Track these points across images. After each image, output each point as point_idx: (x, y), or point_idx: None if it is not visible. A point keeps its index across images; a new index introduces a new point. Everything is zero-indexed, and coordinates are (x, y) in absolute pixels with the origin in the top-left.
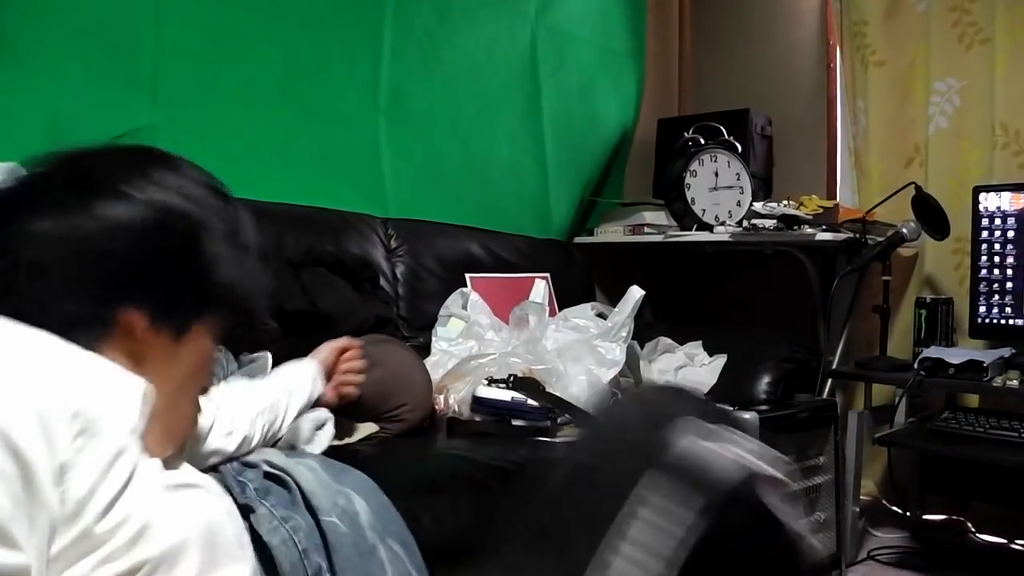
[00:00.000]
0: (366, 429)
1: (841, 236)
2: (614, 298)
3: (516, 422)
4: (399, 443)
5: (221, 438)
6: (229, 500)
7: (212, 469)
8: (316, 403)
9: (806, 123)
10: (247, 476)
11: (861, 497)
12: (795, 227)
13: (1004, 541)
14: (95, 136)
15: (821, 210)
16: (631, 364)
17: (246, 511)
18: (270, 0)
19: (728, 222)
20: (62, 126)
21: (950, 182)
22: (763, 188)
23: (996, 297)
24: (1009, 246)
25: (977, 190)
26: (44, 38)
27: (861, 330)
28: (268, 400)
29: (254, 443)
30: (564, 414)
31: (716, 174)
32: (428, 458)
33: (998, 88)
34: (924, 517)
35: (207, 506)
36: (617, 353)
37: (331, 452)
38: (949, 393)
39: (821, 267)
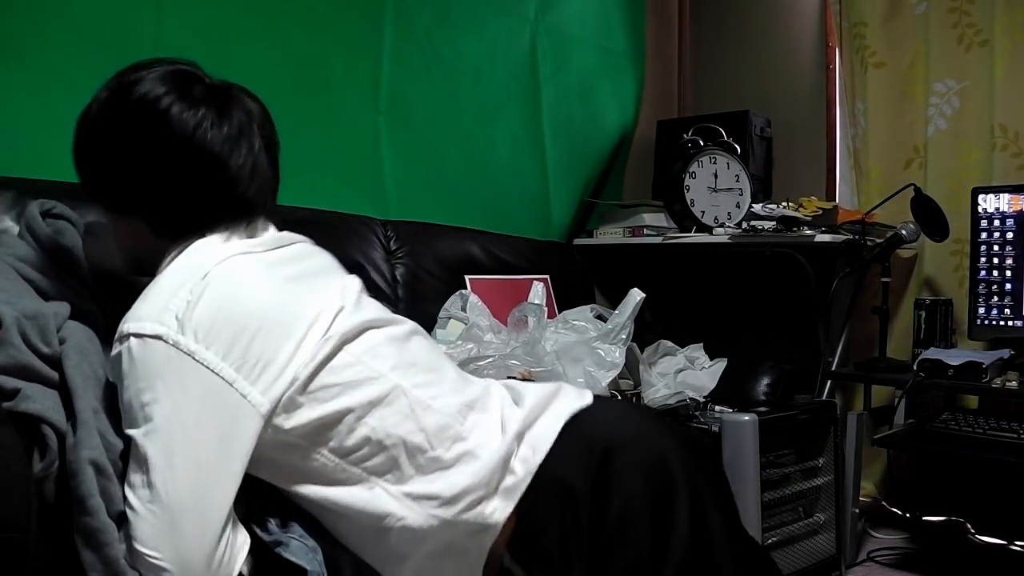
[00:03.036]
0: None
1: (840, 237)
2: (613, 300)
3: None
4: None
5: None
6: None
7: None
8: None
9: (805, 125)
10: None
11: (860, 498)
12: (794, 229)
13: (1004, 542)
14: None
15: (820, 212)
16: (631, 366)
17: (274, 546)
18: (270, 1)
19: (727, 224)
20: (62, 126)
21: (949, 183)
22: (762, 190)
23: (995, 298)
24: (1008, 247)
25: (976, 191)
26: (44, 38)
27: (860, 331)
28: None
29: None
30: None
31: (715, 176)
32: None
33: (997, 89)
34: (924, 518)
35: None
36: (617, 355)
37: None
38: (948, 394)
39: (820, 268)
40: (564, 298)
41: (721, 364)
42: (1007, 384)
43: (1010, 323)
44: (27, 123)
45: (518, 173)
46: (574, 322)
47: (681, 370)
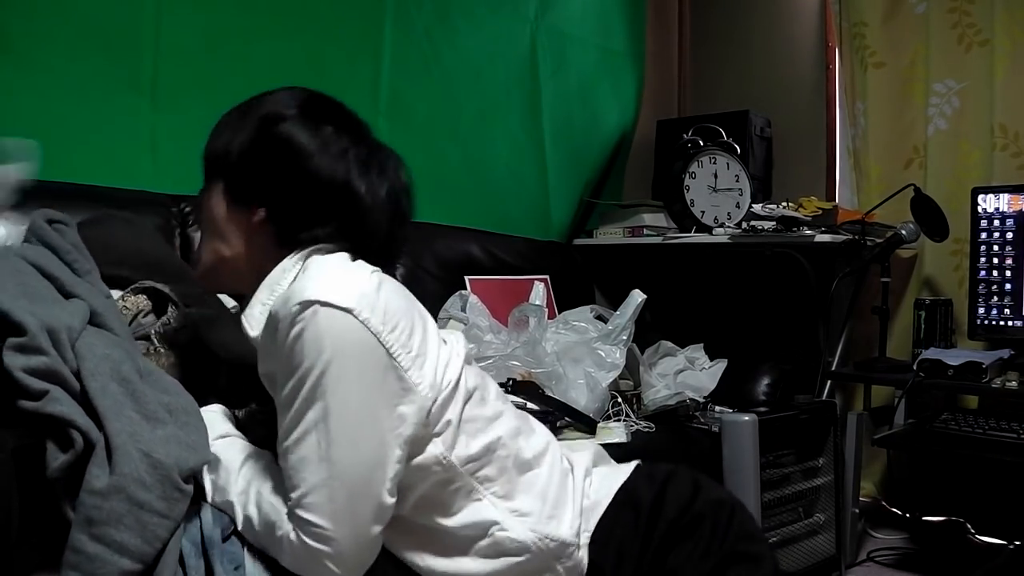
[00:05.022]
0: None
1: (840, 238)
2: (613, 300)
3: None
4: None
5: None
6: None
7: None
8: None
9: (805, 125)
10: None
11: (860, 498)
12: (794, 229)
13: (1003, 542)
14: (95, 136)
15: (820, 212)
16: (631, 367)
17: None
18: (270, 1)
19: (727, 224)
20: (62, 126)
21: (949, 183)
22: (762, 190)
23: (995, 298)
24: (1008, 247)
25: (976, 191)
26: (44, 38)
27: (860, 331)
28: None
29: None
30: (564, 417)
31: (715, 176)
32: None
33: (997, 90)
34: (923, 518)
35: None
36: (617, 356)
37: None
38: (948, 394)
39: (820, 269)
40: (564, 298)
41: (721, 364)
42: (1007, 384)
43: (1010, 323)
44: (27, 123)
45: (518, 173)
46: (574, 323)
47: (681, 371)
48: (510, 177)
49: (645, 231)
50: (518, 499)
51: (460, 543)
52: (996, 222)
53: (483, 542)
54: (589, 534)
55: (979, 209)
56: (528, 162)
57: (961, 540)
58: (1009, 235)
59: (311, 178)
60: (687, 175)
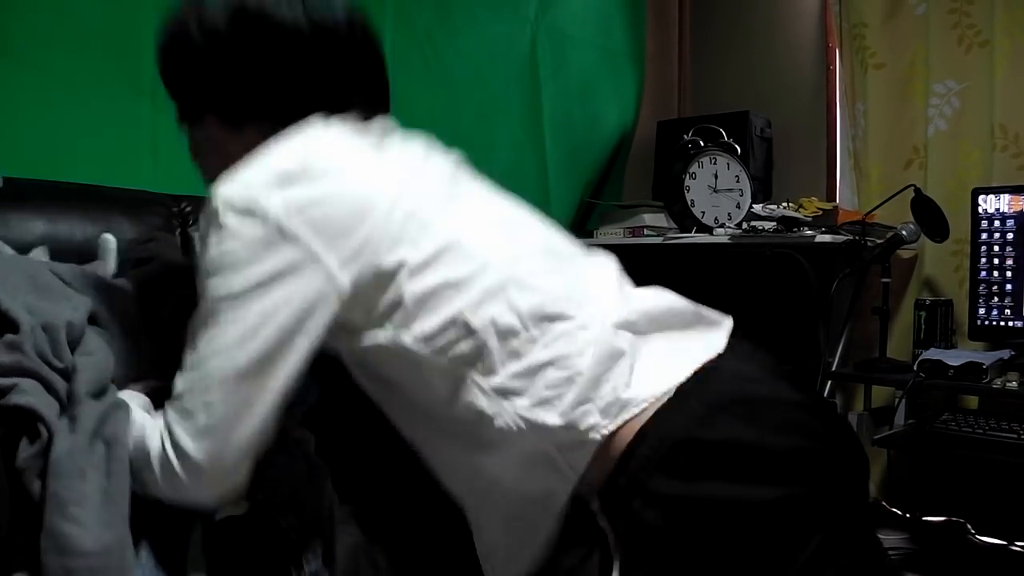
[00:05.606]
0: None
1: (840, 238)
2: None
3: None
4: None
5: None
6: None
7: None
8: None
9: (806, 125)
10: None
11: None
12: (794, 229)
13: (1004, 542)
14: (96, 137)
15: (820, 212)
16: None
17: None
18: None
19: (727, 224)
20: (62, 126)
21: (949, 184)
22: (762, 190)
23: (995, 299)
24: (1008, 248)
25: (976, 192)
26: (44, 38)
27: (860, 332)
28: None
29: None
30: None
31: (716, 176)
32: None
33: (997, 90)
34: (924, 518)
35: None
36: None
37: None
38: (948, 395)
39: (820, 269)
40: None
41: None
42: (1007, 385)
43: (1010, 323)
44: (27, 123)
45: (518, 173)
46: None
47: None
48: (510, 177)
49: (645, 231)
50: (500, 373)
51: (483, 435)
52: (996, 222)
53: (491, 435)
54: (608, 429)
55: (979, 209)
56: (528, 162)
57: (961, 540)
58: (1009, 235)
59: (302, 81)
60: (687, 175)
